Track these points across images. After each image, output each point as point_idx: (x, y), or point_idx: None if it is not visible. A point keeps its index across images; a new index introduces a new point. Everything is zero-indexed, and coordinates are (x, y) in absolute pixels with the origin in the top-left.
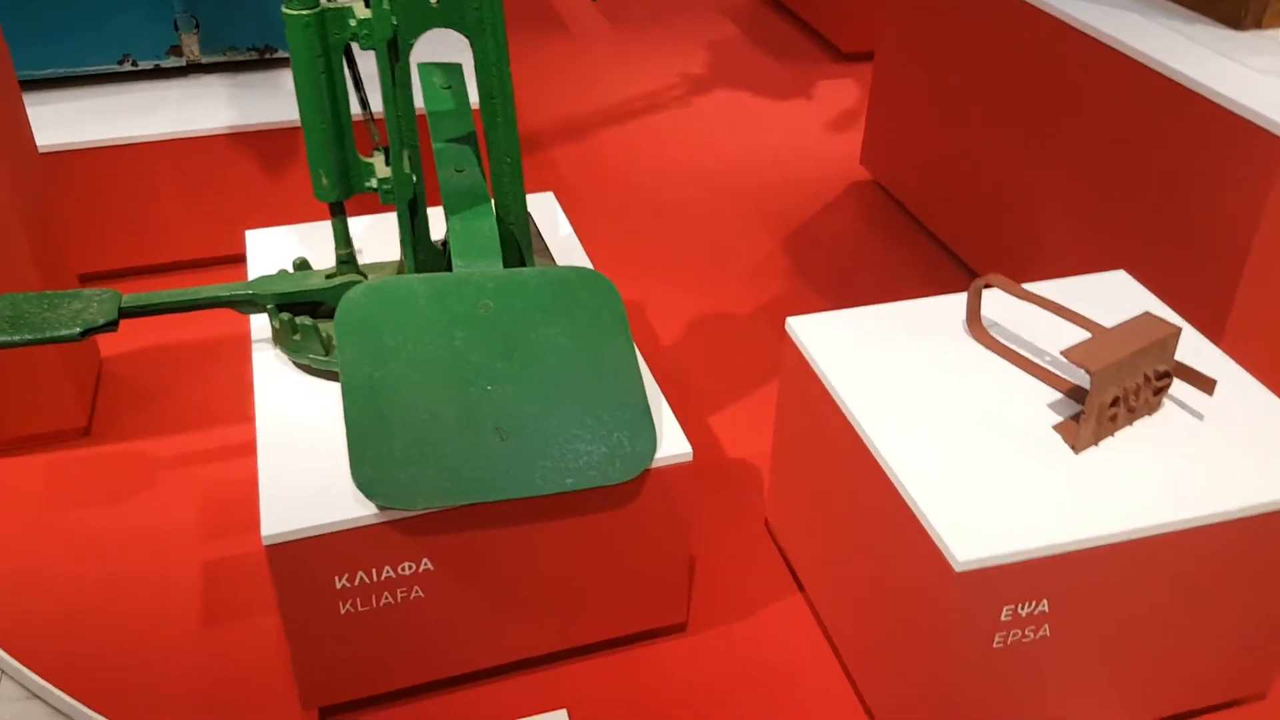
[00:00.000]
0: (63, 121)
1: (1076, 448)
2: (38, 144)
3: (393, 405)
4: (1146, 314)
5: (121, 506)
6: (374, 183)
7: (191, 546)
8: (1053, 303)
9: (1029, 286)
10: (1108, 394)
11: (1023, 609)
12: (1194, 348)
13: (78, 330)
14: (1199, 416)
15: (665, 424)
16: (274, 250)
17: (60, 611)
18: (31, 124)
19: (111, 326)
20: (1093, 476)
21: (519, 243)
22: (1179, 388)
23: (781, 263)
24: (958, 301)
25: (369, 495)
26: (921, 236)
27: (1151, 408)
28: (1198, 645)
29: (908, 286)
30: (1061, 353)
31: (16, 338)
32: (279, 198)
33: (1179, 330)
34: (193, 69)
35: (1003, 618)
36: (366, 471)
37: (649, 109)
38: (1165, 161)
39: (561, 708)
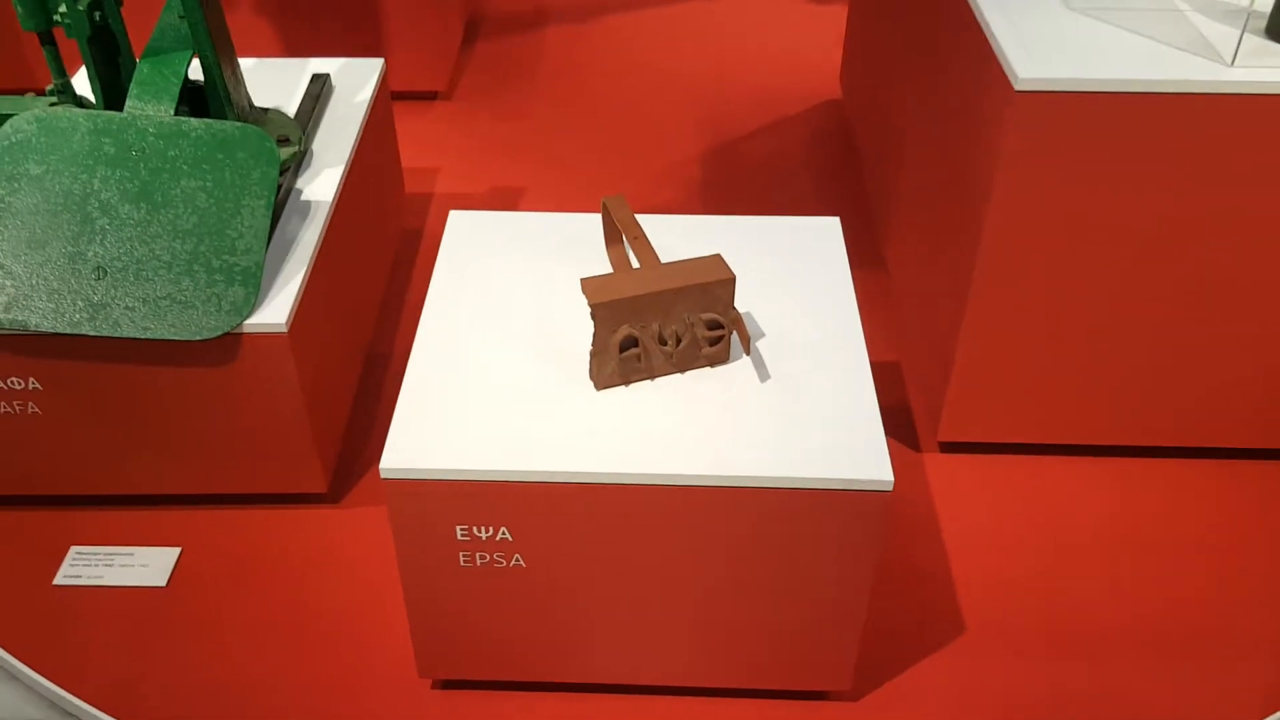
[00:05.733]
0: None
1: (596, 385)
2: None
3: (8, 227)
4: (716, 257)
5: None
6: (59, 16)
7: None
8: (638, 231)
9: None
10: (619, 332)
11: (481, 531)
12: (837, 313)
13: None
14: (765, 378)
15: (285, 295)
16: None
17: None
18: None
19: None
20: (587, 415)
21: (223, 95)
22: (773, 346)
23: (692, 169)
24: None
25: None
26: (855, 162)
27: (713, 358)
28: (729, 618)
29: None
30: (581, 280)
31: None
32: None
33: (732, 278)
34: None
35: (459, 536)
36: None
37: (633, 5)
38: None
39: None
